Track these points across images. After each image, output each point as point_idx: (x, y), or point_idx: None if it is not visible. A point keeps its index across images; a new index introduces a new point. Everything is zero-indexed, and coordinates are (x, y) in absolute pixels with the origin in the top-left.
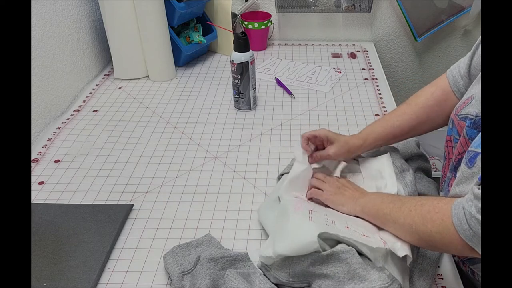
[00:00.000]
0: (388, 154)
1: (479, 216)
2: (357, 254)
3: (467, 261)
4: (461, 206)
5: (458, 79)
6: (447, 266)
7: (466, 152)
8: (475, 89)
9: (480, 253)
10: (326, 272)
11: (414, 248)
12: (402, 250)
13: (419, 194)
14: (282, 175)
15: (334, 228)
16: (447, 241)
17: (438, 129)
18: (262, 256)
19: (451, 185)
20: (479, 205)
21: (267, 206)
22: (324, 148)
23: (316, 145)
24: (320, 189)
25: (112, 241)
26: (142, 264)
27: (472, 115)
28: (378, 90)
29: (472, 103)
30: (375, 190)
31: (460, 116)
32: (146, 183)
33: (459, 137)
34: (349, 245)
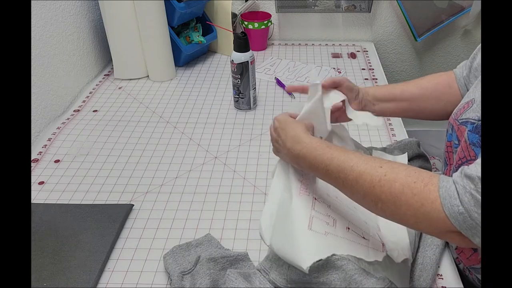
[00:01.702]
0: (405, 154)
1: (478, 196)
2: (352, 260)
3: (472, 269)
4: (451, 180)
5: (460, 76)
6: (447, 266)
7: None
8: (476, 93)
9: (467, 239)
10: (323, 280)
11: (414, 248)
12: (401, 256)
13: None
14: None
15: (333, 236)
16: (427, 217)
17: (438, 129)
18: (260, 228)
19: None
20: (473, 185)
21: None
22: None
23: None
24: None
25: (112, 241)
26: (142, 264)
27: (474, 120)
28: None
29: (473, 107)
30: None
31: (460, 121)
32: (146, 183)
33: (459, 142)
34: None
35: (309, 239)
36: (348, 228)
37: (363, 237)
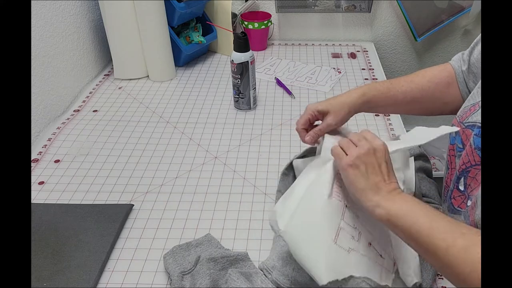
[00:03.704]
0: (412, 157)
1: None
2: (364, 279)
3: None
4: None
5: (460, 70)
6: None
7: None
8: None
9: None
10: (329, 285)
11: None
12: (413, 280)
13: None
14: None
15: (355, 252)
16: None
17: None
18: (274, 212)
19: (453, 198)
20: None
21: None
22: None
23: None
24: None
25: (112, 241)
26: (142, 264)
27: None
28: None
29: (480, 111)
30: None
31: (466, 124)
32: (146, 183)
33: (463, 146)
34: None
35: (332, 254)
36: (370, 244)
37: (381, 255)
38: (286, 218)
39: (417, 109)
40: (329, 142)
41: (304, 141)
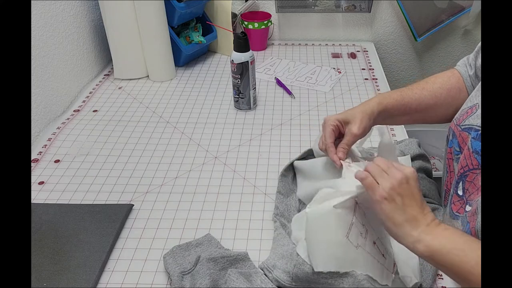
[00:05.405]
0: (408, 156)
1: None
2: (365, 277)
3: None
4: None
5: (467, 75)
6: None
7: None
8: (479, 98)
9: None
10: (331, 282)
11: (423, 268)
12: (413, 280)
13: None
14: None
15: (362, 250)
16: None
17: (438, 129)
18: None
19: (453, 203)
20: None
21: None
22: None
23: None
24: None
25: (112, 241)
26: (142, 264)
27: (479, 126)
28: (378, 90)
29: (477, 113)
30: None
31: (462, 127)
32: (146, 183)
33: (460, 150)
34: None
35: (342, 249)
36: (374, 243)
37: (383, 255)
38: (316, 203)
39: (431, 117)
40: (349, 170)
41: (334, 159)
